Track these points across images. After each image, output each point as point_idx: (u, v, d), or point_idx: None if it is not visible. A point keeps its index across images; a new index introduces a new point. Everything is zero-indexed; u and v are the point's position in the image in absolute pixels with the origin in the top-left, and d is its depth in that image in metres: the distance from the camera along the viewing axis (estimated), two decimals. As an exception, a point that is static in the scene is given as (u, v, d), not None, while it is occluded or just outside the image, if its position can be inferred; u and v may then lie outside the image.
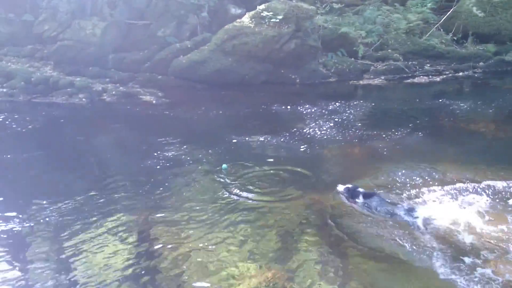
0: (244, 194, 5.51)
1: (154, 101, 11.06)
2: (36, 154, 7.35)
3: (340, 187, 5.30)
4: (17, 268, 4.09)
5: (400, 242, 4.26)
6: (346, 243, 4.36)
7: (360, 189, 5.19)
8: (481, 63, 14.22)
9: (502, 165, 6.10)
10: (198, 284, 3.76)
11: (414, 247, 4.14)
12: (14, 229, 4.80)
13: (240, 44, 12.15)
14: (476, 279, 3.66)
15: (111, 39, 12.92)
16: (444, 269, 3.80)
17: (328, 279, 3.77)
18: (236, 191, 5.61)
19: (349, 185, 5.27)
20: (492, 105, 9.85)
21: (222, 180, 5.96)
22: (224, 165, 6.27)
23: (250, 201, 5.33)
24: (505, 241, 4.20)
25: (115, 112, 10.20)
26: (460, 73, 13.61)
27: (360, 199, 5.05)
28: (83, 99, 11.17)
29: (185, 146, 7.43)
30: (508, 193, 5.22)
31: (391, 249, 4.19)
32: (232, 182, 5.89)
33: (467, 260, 3.92)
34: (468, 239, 4.23)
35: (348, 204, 5.15)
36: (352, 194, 5.17)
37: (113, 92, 11.62)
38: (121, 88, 12.04)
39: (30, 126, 8.87)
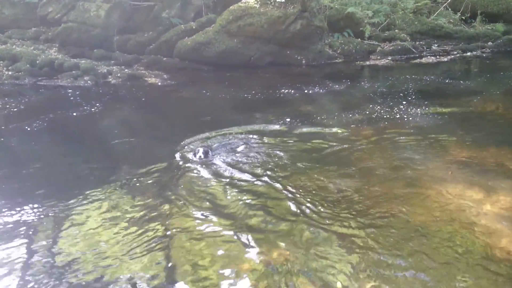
0: (247, 174, 5.48)
1: (159, 83, 11.02)
2: (41, 134, 7.37)
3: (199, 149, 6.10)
4: (22, 252, 4.10)
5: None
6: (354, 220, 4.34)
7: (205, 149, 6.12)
8: (489, 43, 14.06)
9: (508, 146, 6.04)
10: (201, 264, 3.77)
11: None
12: (17, 211, 4.80)
13: (245, 25, 12.05)
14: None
15: (116, 21, 12.87)
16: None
17: (337, 260, 3.77)
18: (239, 171, 5.59)
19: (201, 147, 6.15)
20: (500, 85, 9.73)
21: (225, 160, 5.94)
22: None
23: (253, 182, 5.30)
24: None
25: (120, 94, 10.18)
26: (468, 53, 13.45)
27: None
28: (89, 82, 11.15)
29: (191, 128, 7.40)
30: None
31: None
32: (236, 162, 5.86)
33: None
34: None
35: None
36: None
37: (118, 74, 11.60)
38: (126, 70, 12.02)
39: (36, 108, 8.88)
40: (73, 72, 11.49)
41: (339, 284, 3.38)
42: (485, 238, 3.95)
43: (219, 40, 12.17)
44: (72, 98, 9.84)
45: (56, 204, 4.90)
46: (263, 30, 12.04)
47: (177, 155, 6.17)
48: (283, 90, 9.85)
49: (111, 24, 12.82)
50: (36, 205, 4.90)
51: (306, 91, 9.76)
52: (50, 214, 4.70)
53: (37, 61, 11.76)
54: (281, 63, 12.53)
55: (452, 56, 13.16)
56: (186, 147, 6.50)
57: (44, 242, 4.20)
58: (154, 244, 4.06)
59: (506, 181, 5.05)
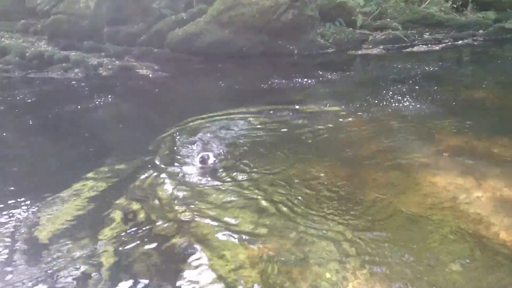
0: (237, 165, 5.47)
1: (150, 75, 10.95)
2: (31, 128, 7.33)
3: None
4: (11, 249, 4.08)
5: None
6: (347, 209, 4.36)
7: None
8: (480, 31, 14.06)
9: (500, 134, 6.06)
10: (194, 255, 3.77)
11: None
12: (6, 204, 4.78)
13: (236, 15, 11.98)
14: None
15: (105, 12, 12.75)
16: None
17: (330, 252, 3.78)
18: (230, 161, 5.57)
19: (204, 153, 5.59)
20: (491, 73, 9.75)
21: (216, 151, 5.92)
22: None
23: (244, 174, 5.29)
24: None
25: (111, 87, 10.10)
26: (460, 42, 13.46)
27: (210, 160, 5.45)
28: (79, 74, 11.06)
29: (182, 119, 7.37)
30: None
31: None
32: (226, 153, 5.84)
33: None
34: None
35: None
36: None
37: (109, 66, 11.52)
38: (116, 62, 11.93)
39: (27, 100, 8.80)
40: (63, 64, 11.40)
41: (327, 275, 3.39)
42: (476, 225, 3.98)
43: (211, 31, 12.10)
44: (62, 91, 9.77)
45: (41, 196, 4.88)
46: (254, 20, 11.98)
47: (168, 150, 6.15)
48: (275, 80, 9.82)
49: (101, 15, 12.70)
50: (20, 197, 4.89)
51: (298, 81, 9.73)
52: (32, 207, 4.68)
53: (27, 54, 11.65)
54: (273, 53, 12.48)
55: (444, 45, 13.16)
56: (177, 141, 6.47)
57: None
58: (143, 238, 4.06)
59: (497, 168, 5.07)
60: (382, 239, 3.84)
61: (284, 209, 4.43)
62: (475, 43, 13.26)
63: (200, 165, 5.40)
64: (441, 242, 3.77)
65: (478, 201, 4.40)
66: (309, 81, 9.72)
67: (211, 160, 5.40)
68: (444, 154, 5.52)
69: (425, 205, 4.36)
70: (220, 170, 5.36)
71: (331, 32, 13.25)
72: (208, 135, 6.56)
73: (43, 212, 4.60)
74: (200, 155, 5.51)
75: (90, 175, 5.46)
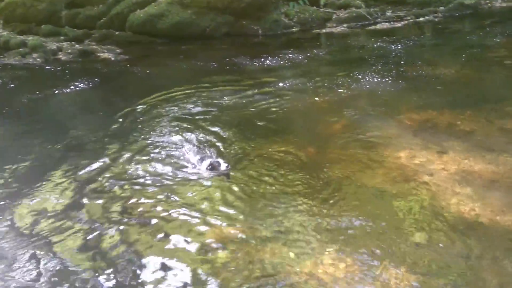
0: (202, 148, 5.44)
1: (112, 58, 10.70)
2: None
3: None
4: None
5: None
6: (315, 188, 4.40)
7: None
8: (441, 8, 14.24)
9: (461, 108, 6.21)
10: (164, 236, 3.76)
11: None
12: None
13: (199, -5, 11.79)
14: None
15: (63, -6, 12.32)
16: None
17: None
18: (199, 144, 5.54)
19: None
20: (452, 49, 9.94)
21: (184, 136, 5.86)
22: None
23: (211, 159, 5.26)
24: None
25: (72, 72, 9.81)
26: (421, 18, 13.62)
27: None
28: (38, 59, 10.71)
29: (145, 103, 7.26)
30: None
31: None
32: (194, 135, 5.80)
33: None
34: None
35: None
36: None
37: (69, 51, 11.19)
38: (77, 46, 11.60)
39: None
40: (21, 49, 11.02)
41: (291, 254, 3.42)
42: (439, 197, 4.10)
43: (173, 12, 11.87)
44: (22, 77, 9.45)
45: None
46: (217, 0, 11.81)
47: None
48: (240, 61, 9.76)
49: (58, -2, 12.29)
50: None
51: (263, 61, 9.70)
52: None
53: (-19, 39, 11.19)
54: (237, 33, 12.34)
55: (406, 22, 13.30)
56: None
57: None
58: (118, 225, 4.01)
59: (458, 141, 5.23)
60: (348, 215, 3.91)
61: (251, 189, 4.44)
62: (436, 20, 13.45)
63: (209, 172, 4.82)
64: (405, 215, 3.87)
65: (441, 174, 4.52)
66: (274, 61, 9.69)
67: (223, 166, 4.77)
68: (408, 123, 5.66)
69: (389, 179, 4.46)
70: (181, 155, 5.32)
71: (295, 11, 13.19)
72: (170, 117, 6.48)
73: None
74: (208, 161, 4.90)
75: (57, 170, 5.35)
